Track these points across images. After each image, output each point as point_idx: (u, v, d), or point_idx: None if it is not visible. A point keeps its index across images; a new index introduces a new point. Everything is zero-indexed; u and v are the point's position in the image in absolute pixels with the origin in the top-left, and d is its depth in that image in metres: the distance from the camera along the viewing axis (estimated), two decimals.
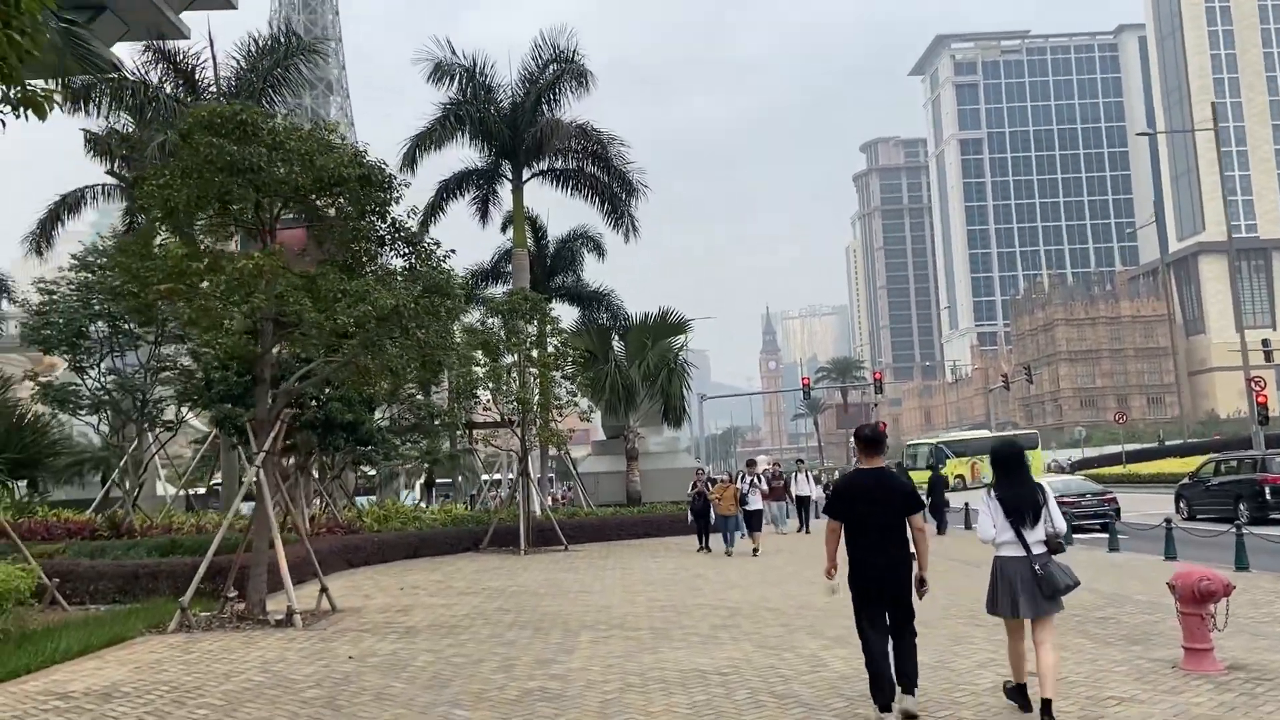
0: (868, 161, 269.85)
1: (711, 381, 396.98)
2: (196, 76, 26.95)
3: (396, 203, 13.56)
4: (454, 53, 28.52)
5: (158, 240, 13.22)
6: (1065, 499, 28.12)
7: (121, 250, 12.17)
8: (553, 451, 28.38)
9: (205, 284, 11.63)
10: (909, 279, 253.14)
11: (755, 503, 21.27)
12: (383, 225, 13.49)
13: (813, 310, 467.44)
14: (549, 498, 38.67)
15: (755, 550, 20.46)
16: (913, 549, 6.86)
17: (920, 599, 6.92)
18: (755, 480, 21.62)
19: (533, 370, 23.60)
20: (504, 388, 22.63)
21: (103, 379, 21.31)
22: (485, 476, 37.14)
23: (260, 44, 27.27)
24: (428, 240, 13.88)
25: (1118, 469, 60.38)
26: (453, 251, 13.95)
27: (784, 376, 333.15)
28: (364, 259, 13.57)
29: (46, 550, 18.05)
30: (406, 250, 13.86)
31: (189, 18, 34.92)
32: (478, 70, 28.53)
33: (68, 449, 24.08)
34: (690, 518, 22.76)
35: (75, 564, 15.37)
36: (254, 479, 12.89)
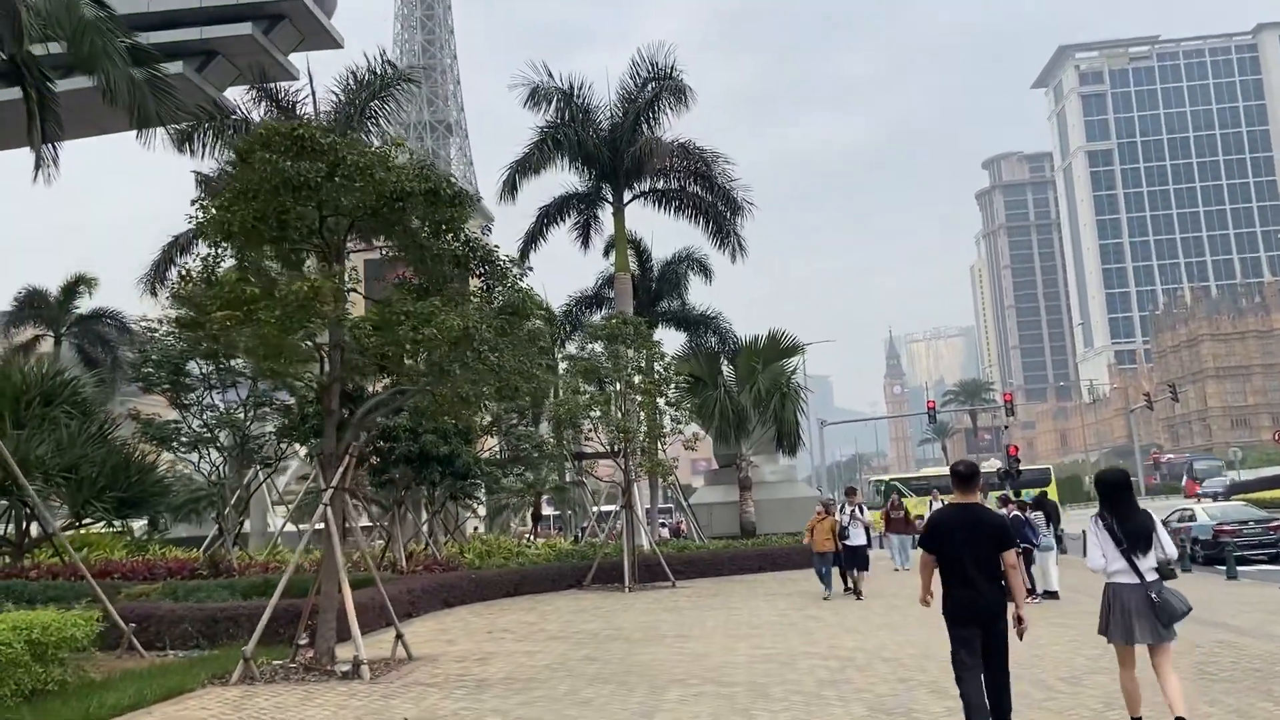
0: (991, 178, 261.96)
1: (834, 407, 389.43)
2: (298, 113, 27.11)
3: (488, 227, 12.68)
4: (550, 76, 27.95)
5: (222, 267, 12.64)
6: (1225, 527, 25.26)
7: (181, 279, 11.52)
8: (669, 481, 27.16)
9: (263, 311, 10.88)
10: (1038, 297, 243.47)
11: (858, 537, 18.46)
12: (455, 243, 12.60)
13: (938, 332, 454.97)
14: (664, 530, 37.43)
15: (858, 593, 18.06)
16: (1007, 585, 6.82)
17: (1020, 638, 6.94)
18: (856, 511, 18.66)
19: (636, 397, 22.47)
20: (606, 416, 21.55)
21: (202, 416, 21.16)
22: (595, 509, 36.16)
23: (358, 77, 27.31)
24: (503, 257, 12.89)
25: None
26: (530, 269, 12.95)
27: (909, 401, 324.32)
28: (440, 281, 12.71)
29: (143, 590, 17.79)
30: (482, 270, 12.93)
31: (299, 59, 35.36)
32: (574, 93, 27.86)
33: (176, 487, 24.25)
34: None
35: (156, 607, 14.87)
36: (321, 517, 12.07)
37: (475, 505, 28.89)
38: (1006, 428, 61.60)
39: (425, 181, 11.79)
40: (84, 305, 38.27)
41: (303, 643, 12.21)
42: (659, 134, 27.96)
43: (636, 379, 21.81)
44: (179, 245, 28.54)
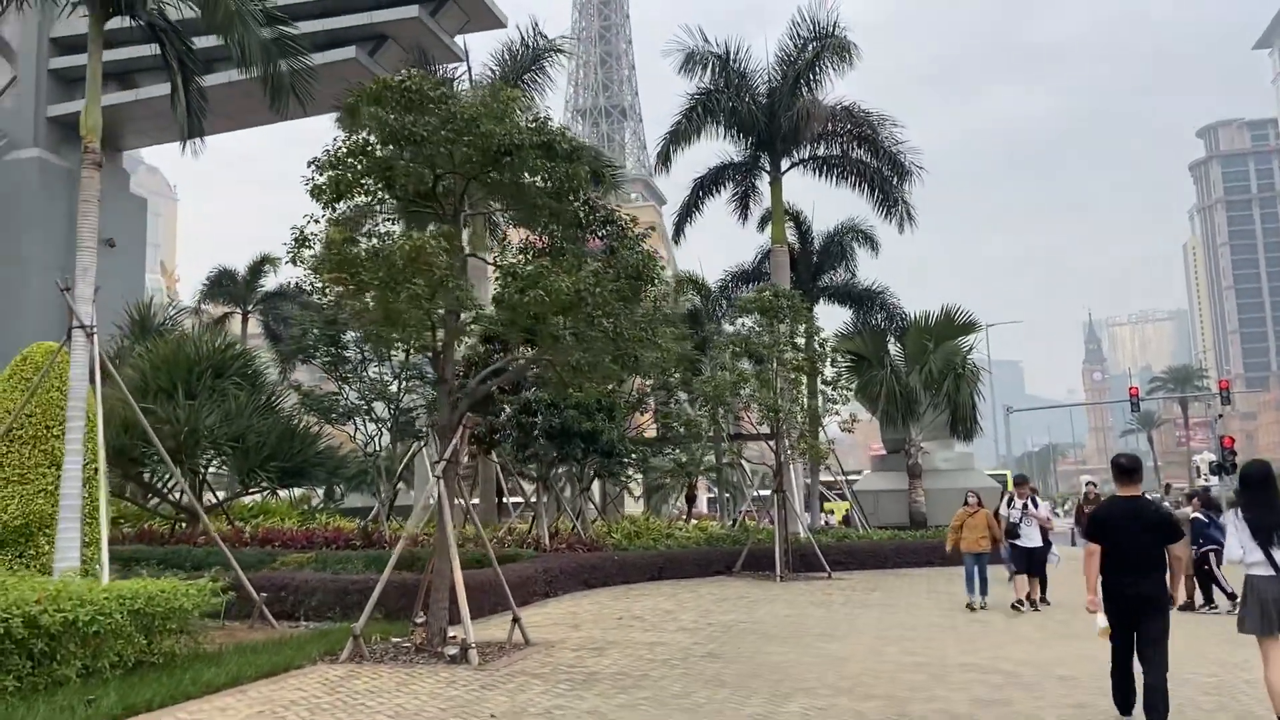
0: (1206, 148, 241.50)
1: (1026, 394, 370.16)
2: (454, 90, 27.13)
3: (597, 181, 11.81)
4: (706, 40, 26.76)
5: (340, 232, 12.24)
6: None
7: (296, 242, 11.15)
8: (830, 470, 25.64)
9: (366, 273, 10.34)
10: (1260, 276, 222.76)
11: (1031, 536, 15.18)
12: (575, 203, 11.73)
13: (1144, 315, 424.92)
14: (826, 518, 35.81)
15: (1019, 604, 14.92)
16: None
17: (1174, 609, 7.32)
18: (1030, 504, 15.29)
19: (791, 375, 21.10)
20: (756, 395, 20.32)
21: (357, 387, 21.33)
22: (754, 492, 34.85)
23: (512, 51, 27.03)
24: (625, 218, 11.92)
25: None
26: (651, 229, 11.94)
27: (1111, 389, 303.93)
28: (562, 243, 11.89)
29: (297, 559, 17.99)
30: (604, 231, 12.01)
31: (474, 41, 35.47)
32: (730, 58, 26.54)
33: (340, 458, 24.75)
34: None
35: (291, 577, 14.81)
36: (433, 492, 11.50)
37: (629, 484, 28.23)
38: (1220, 417, 55.78)
39: (539, 134, 10.96)
40: (270, 283, 40.19)
41: (419, 621, 11.72)
42: (820, 98, 26.29)
43: (789, 355, 20.42)
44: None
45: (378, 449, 22.08)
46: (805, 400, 21.14)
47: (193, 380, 22.32)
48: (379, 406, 21.68)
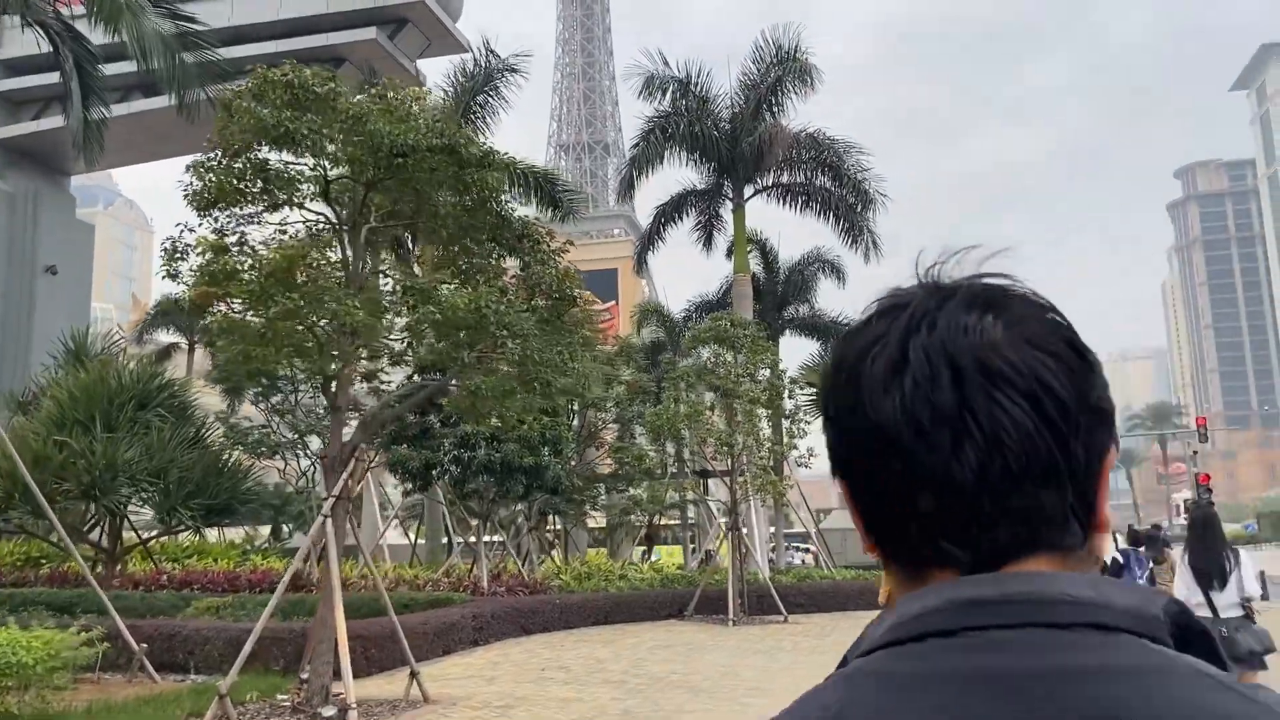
0: (1184, 188, 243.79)
1: None
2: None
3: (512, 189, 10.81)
4: (666, 64, 26.00)
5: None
6: None
7: (170, 255, 10.07)
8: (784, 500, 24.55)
9: (234, 287, 9.27)
10: (1240, 315, 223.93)
11: None
12: (488, 215, 10.73)
13: (1124, 354, 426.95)
14: (803, 556, 34.72)
15: None
16: None
17: None
18: None
19: (747, 407, 20.07)
20: (705, 428, 19.27)
21: (285, 419, 20.23)
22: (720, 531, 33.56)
23: (467, 72, 26.23)
24: (540, 230, 10.92)
25: None
26: (569, 244, 10.96)
27: None
28: (475, 259, 10.89)
29: (212, 605, 16.78)
30: (516, 244, 11.01)
31: (434, 65, 34.66)
32: (691, 81, 25.76)
33: (265, 493, 23.48)
34: None
35: (181, 626, 13.59)
36: (320, 531, 10.37)
37: (582, 522, 27.03)
38: (1195, 453, 55.02)
39: (439, 136, 9.97)
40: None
41: (304, 677, 10.54)
42: (785, 123, 25.51)
43: (745, 386, 19.41)
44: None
45: (310, 484, 20.91)
46: (763, 434, 20.09)
47: (113, 412, 21.10)
48: (315, 440, 20.60)
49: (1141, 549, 14.48)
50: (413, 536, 27.07)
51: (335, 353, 10.34)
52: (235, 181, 9.57)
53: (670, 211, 27.99)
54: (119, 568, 21.32)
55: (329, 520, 10.22)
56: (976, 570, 0.76)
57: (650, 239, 28.24)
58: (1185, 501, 38.32)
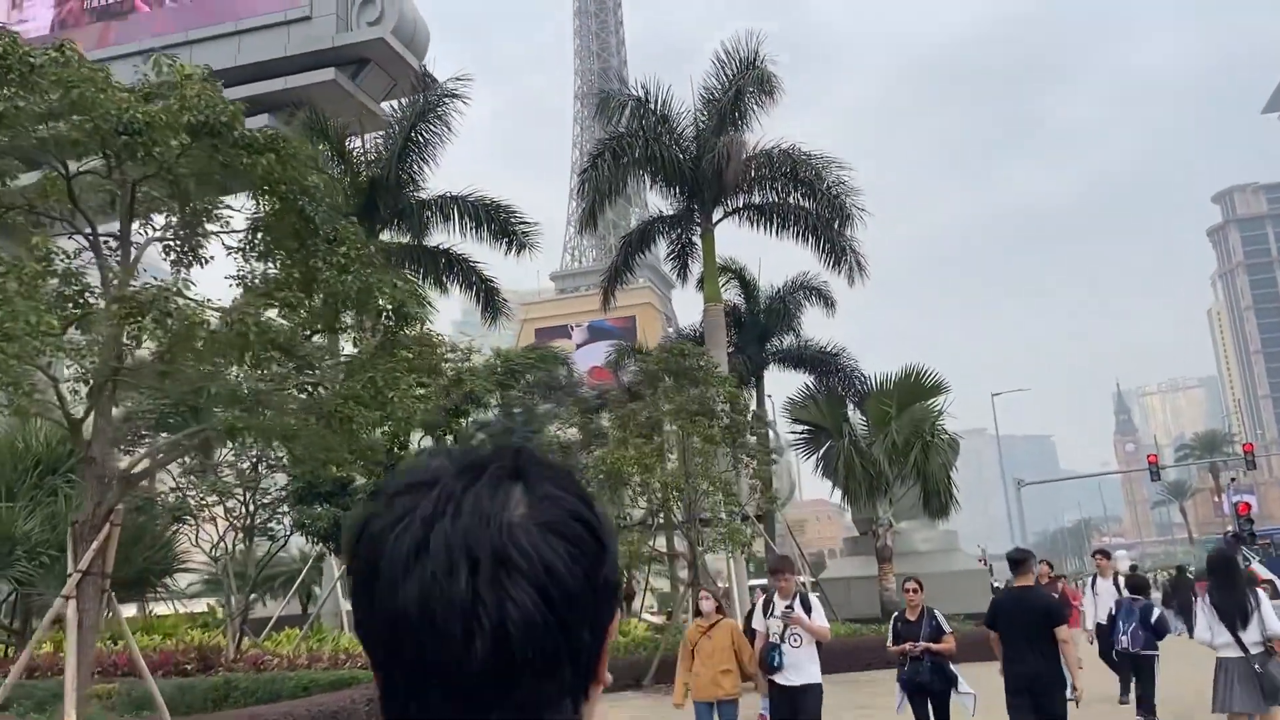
0: (1223, 213, 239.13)
1: (1060, 468, 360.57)
2: (348, 145, 24.74)
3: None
4: (623, 83, 24.17)
5: None
6: None
7: None
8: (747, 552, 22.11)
9: None
10: None
11: (801, 668, 8.48)
12: (288, 217, 8.75)
13: (1174, 384, 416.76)
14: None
15: None
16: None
17: (1077, 705, 7.97)
18: (797, 606, 8.57)
19: (704, 445, 17.83)
20: (649, 471, 17.01)
21: (196, 481, 18.32)
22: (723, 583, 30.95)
23: (413, 100, 24.71)
24: (352, 230, 8.91)
25: None
26: (386, 249, 8.91)
27: (1144, 460, 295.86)
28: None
29: (98, 691, 14.74)
30: (327, 251, 8.98)
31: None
32: (648, 98, 23.83)
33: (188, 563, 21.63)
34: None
35: None
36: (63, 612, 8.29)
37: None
38: (1234, 479, 51.67)
39: (190, 112, 8.02)
40: None
41: None
42: (756, 139, 23.55)
43: (699, 421, 17.16)
44: None
45: (227, 550, 18.94)
46: (720, 475, 17.78)
47: (16, 478, 19.36)
48: (231, 501, 18.66)
49: (1138, 597, 12.25)
50: (117, 611, 25.00)
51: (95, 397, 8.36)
52: None
53: (638, 242, 26.04)
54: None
55: (73, 601, 8.13)
56: None
57: (618, 273, 26.26)
58: (1225, 533, 35.17)
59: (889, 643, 9.73)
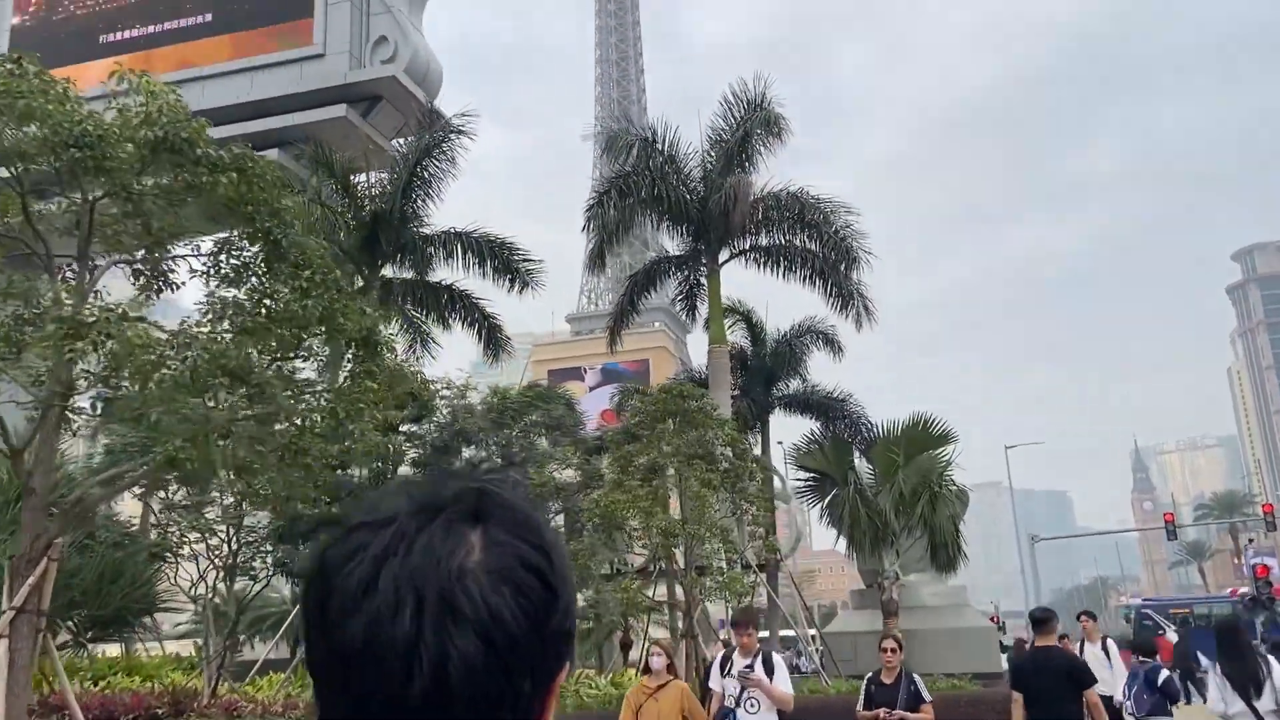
0: (1243, 271, 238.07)
1: (1077, 525, 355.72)
2: (353, 181, 24.58)
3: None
4: (630, 123, 23.99)
5: None
6: None
7: None
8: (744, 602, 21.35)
9: None
10: None
11: None
12: (258, 238, 8.38)
13: (1193, 443, 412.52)
14: (803, 663, 31.10)
15: None
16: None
17: None
18: (745, 669, 8.01)
19: (700, 490, 17.24)
20: (647, 515, 16.42)
21: (168, 517, 17.85)
22: (725, 635, 30.16)
23: (418, 138, 24.57)
24: (320, 253, 8.50)
25: None
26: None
27: (1162, 519, 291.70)
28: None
29: None
30: (293, 273, 8.57)
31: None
32: (656, 137, 23.59)
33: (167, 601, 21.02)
34: None
35: None
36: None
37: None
38: (1251, 541, 50.46)
39: (149, 126, 7.67)
40: None
41: None
42: (764, 179, 23.26)
43: (695, 466, 16.60)
44: None
45: (208, 590, 18.39)
46: (717, 521, 17.17)
47: None
48: (215, 539, 18.15)
49: (1146, 659, 11.46)
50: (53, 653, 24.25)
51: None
52: None
53: (644, 282, 25.67)
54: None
55: (4, 640, 7.62)
56: None
57: (623, 313, 25.87)
58: (1243, 596, 34.05)
59: (859, 707, 8.51)
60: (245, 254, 8.61)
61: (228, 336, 7.30)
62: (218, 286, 8.64)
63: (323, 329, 8.02)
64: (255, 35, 34.43)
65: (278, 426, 7.72)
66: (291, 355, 8.06)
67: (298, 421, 7.71)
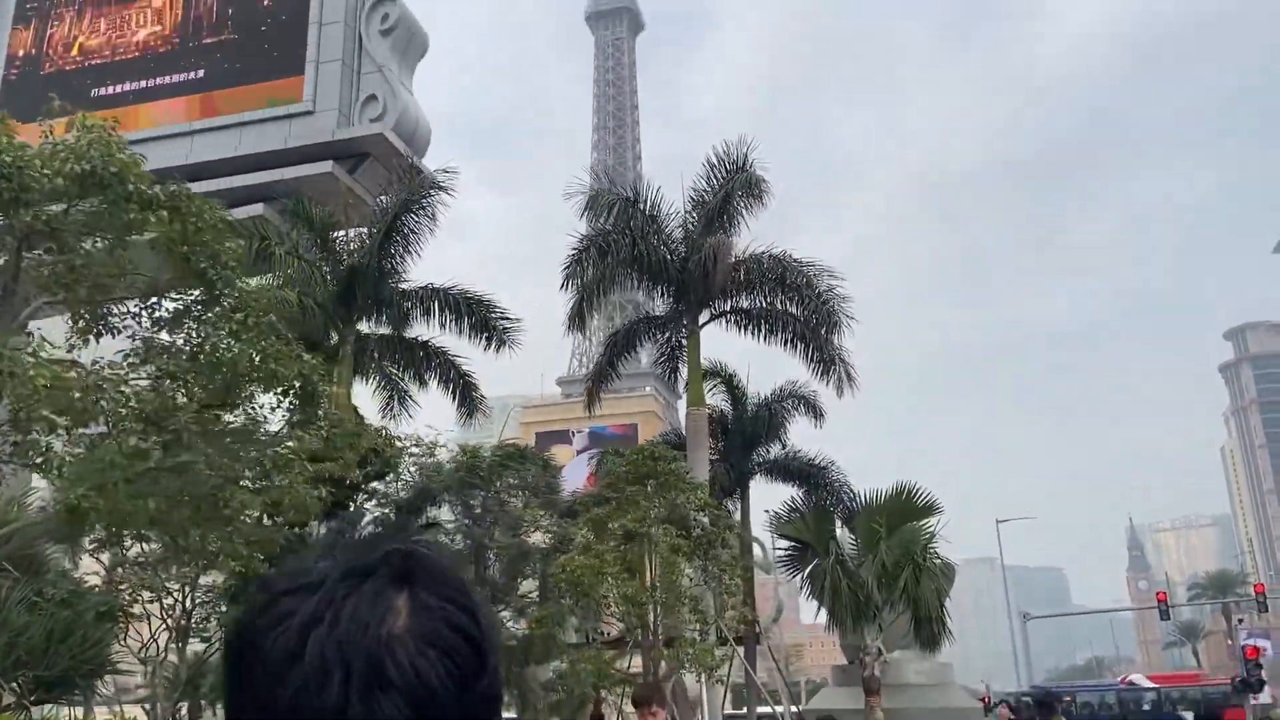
0: (1235, 350, 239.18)
1: (1073, 603, 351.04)
2: (331, 235, 24.39)
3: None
4: (612, 183, 23.89)
5: None
6: None
7: None
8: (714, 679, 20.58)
9: None
10: None
11: None
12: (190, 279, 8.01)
13: (1187, 521, 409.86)
14: None
15: None
16: None
17: None
18: None
19: (669, 555, 16.65)
20: (617, 583, 15.80)
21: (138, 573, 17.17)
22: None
23: (397, 193, 24.43)
24: (234, 272, 8.13)
25: None
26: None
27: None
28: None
29: None
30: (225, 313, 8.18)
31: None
32: (638, 197, 23.49)
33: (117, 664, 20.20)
34: None
35: None
36: None
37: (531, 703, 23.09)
38: (1241, 621, 49.56)
39: (77, 160, 7.34)
40: None
41: None
42: (744, 241, 23.09)
43: (657, 530, 16.05)
44: None
45: (158, 652, 17.64)
46: (685, 589, 16.57)
47: None
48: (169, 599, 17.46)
49: None
50: None
51: None
52: None
53: (623, 344, 25.33)
54: None
55: None
56: None
57: (602, 373, 25.48)
58: (1233, 678, 33.18)
59: None
60: (186, 297, 8.22)
61: (144, 382, 6.87)
62: (156, 331, 8.25)
63: (259, 375, 7.59)
64: (246, 91, 34.56)
65: (198, 477, 7.25)
66: (221, 404, 7.62)
67: (220, 473, 7.24)
